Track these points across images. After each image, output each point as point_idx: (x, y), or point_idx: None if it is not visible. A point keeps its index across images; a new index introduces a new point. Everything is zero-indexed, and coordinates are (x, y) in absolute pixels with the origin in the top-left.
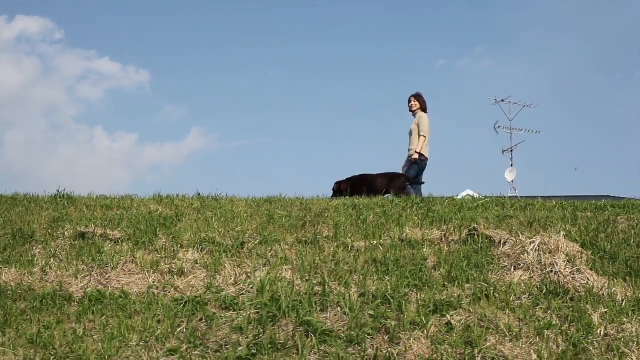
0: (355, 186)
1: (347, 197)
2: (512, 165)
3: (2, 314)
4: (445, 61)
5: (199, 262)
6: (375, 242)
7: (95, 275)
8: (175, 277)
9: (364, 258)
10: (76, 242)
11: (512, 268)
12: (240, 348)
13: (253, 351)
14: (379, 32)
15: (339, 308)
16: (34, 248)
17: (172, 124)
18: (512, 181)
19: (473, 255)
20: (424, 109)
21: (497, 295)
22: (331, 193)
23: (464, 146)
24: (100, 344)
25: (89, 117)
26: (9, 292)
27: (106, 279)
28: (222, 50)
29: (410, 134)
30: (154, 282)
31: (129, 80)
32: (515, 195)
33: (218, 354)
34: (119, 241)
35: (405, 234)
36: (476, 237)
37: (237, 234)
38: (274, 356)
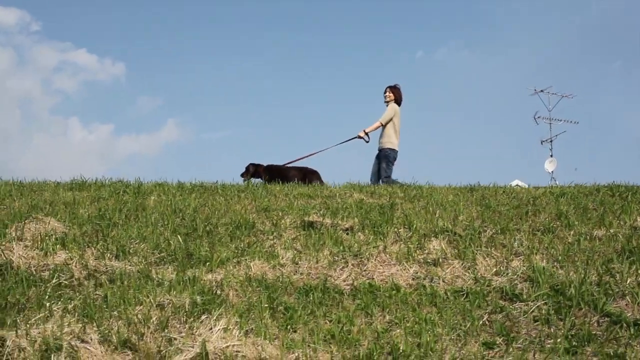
0: (272, 174)
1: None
2: (551, 155)
3: (282, 309)
4: (424, 52)
5: (447, 252)
6: (612, 231)
7: (352, 266)
8: (433, 267)
9: (614, 246)
10: (305, 232)
11: None
12: (558, 340)
13: (574, 343)
14: (355, 24)
15: (628, 297)
16: (266, 239)
17: (148, 116)
18: (552, 172)
19: None
20: (397, 101)
21: None
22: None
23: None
24: (409, 338)
25: (64, 109)
26: (270, 285)
27: (364, 270)
28: (198, 42)
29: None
30: (416, 273)
31: (105, 72)
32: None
33: (538, 346)
34: (351, 231)
35: (637, 222)
36: None
37: (467, 223)
38: (597, 348)
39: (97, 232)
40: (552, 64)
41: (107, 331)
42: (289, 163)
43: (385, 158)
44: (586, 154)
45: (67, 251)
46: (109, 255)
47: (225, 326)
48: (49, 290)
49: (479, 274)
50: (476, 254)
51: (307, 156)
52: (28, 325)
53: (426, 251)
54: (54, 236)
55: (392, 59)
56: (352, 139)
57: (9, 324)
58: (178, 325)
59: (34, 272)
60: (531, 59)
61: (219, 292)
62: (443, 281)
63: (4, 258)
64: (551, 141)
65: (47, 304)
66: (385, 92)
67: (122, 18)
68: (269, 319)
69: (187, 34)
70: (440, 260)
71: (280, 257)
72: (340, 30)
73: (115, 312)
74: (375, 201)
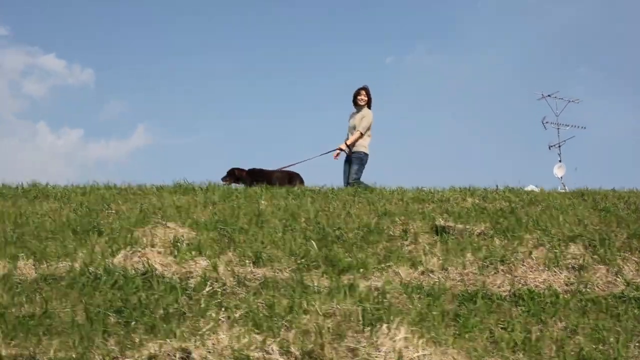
0: (255, 177)
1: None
2: (560, 160)
3: (451, 316)
4: (394, 57)
5: (586, 257)
6: None
7: (502, 272)
8: (580, 272)
9: None
10: (439, 237)
11: None
12: None
13: None
14: (323, 31)
15: None
16: (401, 244)
17: (117, 121)
18: (562, 177)
19: None
20: (370, 104)
21: None
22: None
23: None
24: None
25: (32, 113)
26: (429, 292)
27: (515, 275)
28: (168, 48)
29: (354, 128)
30: (567, 278)
31: (74, 77)
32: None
33: None
34: (484, 235)
35: None
36: None
37: (594, 227)
38: None
39: (224, 238)
40: (522, 66)
41: (284, 342)
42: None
43: (358, 161)
44: (593, 159)
45: (205, 257)
46: (247, 261)
47: (406, 335)
48: (203, 299)
49: (629, 278)
50: (617, 259)
51: (290, 165)
52: (198, 336)
53: (568, 256)
54: (184, 242)
55: (361, 66)
56: (333, 151)
57: (162, 333)
58: (354, 335)
59: (179, 280)
60: (502, 61)
61: (382, 299)
62: (597, 287)
63: (146, 266)
64: (559, 146)
65: (210, 313)
66: (359, 94)
67: (91, 24)
68: (443, 326)
69: (157, 39)
70: (586, 265)
71: (425, 263)
72: (308, 38)
73: (283, 322)
74: (490, 205)
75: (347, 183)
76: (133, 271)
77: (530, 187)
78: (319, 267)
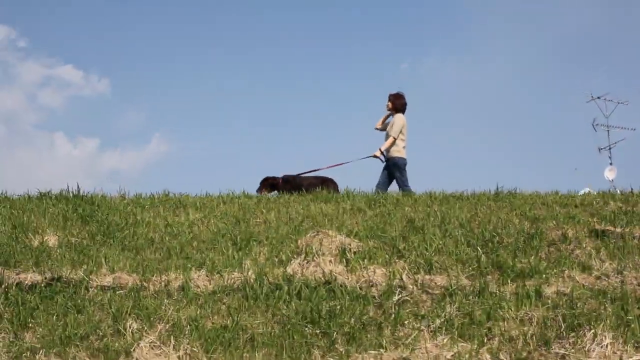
0: (290, 184)
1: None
2: (611, 163)
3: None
4: (410, 62)
5: None
6: None
7: None
8: None
9: None
10: (600, 241)
11: None
12: None
13: None
14: (338, 36)
15: None
16: (564, 249)
17: (133, 130)
18: (613, 180)
19: None
20: (400, 109)
21: None
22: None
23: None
24: None
25: (49, 124)
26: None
27: None
28: (184, 58)
29: (387, 134)
30: None
31: (90, 88)
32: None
33: None
34: None
35: None
36: None
37: None
38: None
39: (384, 245)
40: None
41: (493, 350)
42: (303, 173)
43: (396, 167)
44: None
45: (378, 266)
46: (420, 269)
47: (611, 340)
48: (393, 308)
49: None
50: None
51: (324, 168)
52: (403, 346)
53: None
54: (352, 250)
55: (377, 73)
56: (369, 157)
57: (365, 344)
58: (560, 341)
59: (359, 288)
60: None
61: (575, 305)
62: None
63: (326, 275)
64: (610, 149)
65: (410, 322)
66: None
67: (110, 35)
68: None
69: (173, 50)
70: None
71: (598, 268)
72: (323, 46)
73: (483, 329)
74: (632, 208)
75: (384, 189)
76: (313, 280)
77: (585, 190)
78: (490, 273)
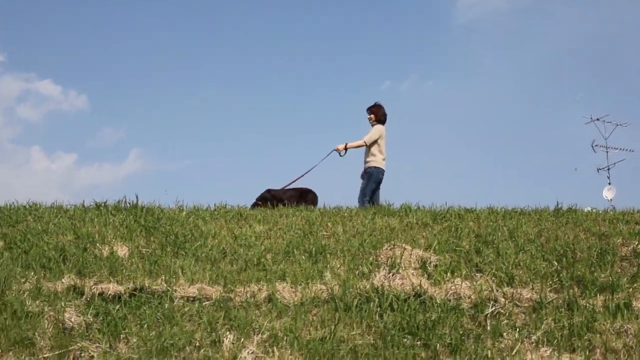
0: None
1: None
2: (609, 183)
3: None
4: (391, 82)
5: None
6: None
7: None
8: None
9: None
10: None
11: None
12: None
13: None
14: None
15: None
16: (615, 266)
17: (111, 146)
18: (611, 199)
19: None
20: (381, 120)
21: None
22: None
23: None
24: None
25: (26, 138)
26: None
27: None
28: (162, 74)
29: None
30: None
31: (69, 103)
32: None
33: None
34: None
35: None
36: None
37: None
38: None
39: (460, 258)
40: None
41: None
42: (286, 186)
43: (368, 175)
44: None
45: (461, 278)
46: (503, 283)
47: None
48: (487, 319)
49: None
50: None
51: (293, 181)
52: (509, 357)
53: None
54: (431, 263)
55: (358, 90)
56: (330, 153)
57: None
58: None
59: (448, 301)
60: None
61: None
62: None
63: (416, 287)
64: (609, 169)
65: (511, 334)
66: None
67: (88, 51)
68: None
69: (151, 64)
70: None
71: None
72: (305, 62)
73: (584, 341)
74: None
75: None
76: (403, 293)
77: (589, 208)
78: (571, 287)
